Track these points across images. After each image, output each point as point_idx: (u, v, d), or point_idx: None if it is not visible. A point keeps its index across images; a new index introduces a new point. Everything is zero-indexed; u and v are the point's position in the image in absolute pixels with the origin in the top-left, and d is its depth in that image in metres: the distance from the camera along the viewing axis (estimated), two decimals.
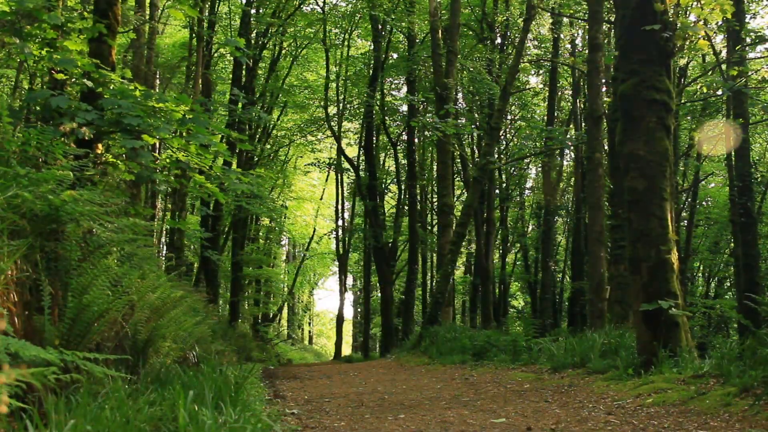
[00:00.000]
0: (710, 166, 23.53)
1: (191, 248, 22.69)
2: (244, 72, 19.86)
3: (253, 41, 20.23)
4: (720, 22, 13.93)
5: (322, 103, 23.93)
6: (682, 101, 17.53)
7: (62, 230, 4.03)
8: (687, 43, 6.93)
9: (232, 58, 21.35)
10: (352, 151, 28.18)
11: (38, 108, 6.00)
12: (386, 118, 23.65)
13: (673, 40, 6.53)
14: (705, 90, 17.83)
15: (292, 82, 24.98)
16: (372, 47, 22.87)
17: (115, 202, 4.78)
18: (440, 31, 16.66)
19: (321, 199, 35.27)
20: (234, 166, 15.79)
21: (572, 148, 18.81)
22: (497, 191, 23.54)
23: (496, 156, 19.70)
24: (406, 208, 23.75)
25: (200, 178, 7.24)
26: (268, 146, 25.46)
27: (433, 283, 23.37)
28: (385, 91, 23.20)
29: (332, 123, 23.27)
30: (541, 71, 23.47)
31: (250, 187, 7.54)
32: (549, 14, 18.64)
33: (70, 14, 8.08)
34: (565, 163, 23.79)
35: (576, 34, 20.36)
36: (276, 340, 27.66)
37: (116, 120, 5.83)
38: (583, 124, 19.36)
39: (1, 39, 6.17)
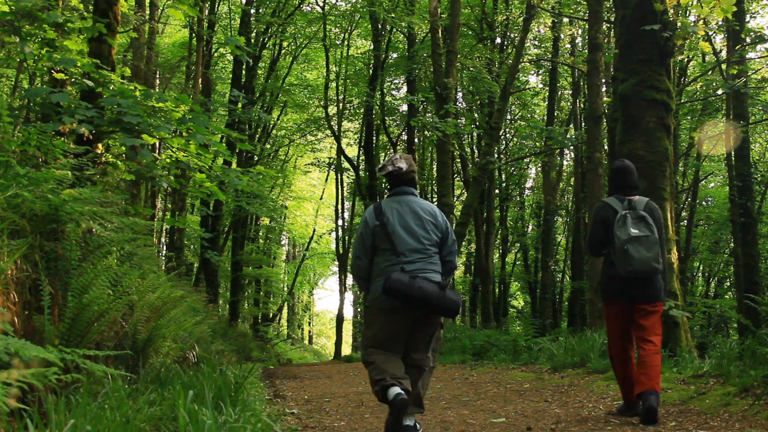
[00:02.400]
0: (710, 166, 23.52)
1: (191, 248, 22.69)
2: (243, 72, 19.86)
3: (252, 40, 20.24)
4: (720, 22, 13.93)
5: (322, 103, 23.93)
6: (682, 101, 17.53)
7: (62, 230, 4.03)
8: (687, 42, 6.94)
9: (232, 58, 21.37)
10: (352, 151, 28.17)
11: (38, 107, 6.00)
12: (386, 117, 23.65)
13: (673, 39, 6.53)
14: (705, 90, 17.84)
15: (292, 82, 24.99)
16: (372, 47, 22.88)
17: (114, 201, 4.78)
18: (440, 31, 16.65)
19: (321, 198, 35.27)
20: (234, 166, 15.80)
21: (572, 148, 18.81)
22: (497, 191, 23.53)
23: (496, 156, 19.69)
24: None
25: (201, 176, 7.24)
26: (268, 146, 25.47)
27: None
28: (384, 90, 23.21)
29: (332, 123, 23.27)
30: (541, 71, 23.46)
31: (252, 183, 7.55)
32: (549, 14, 18.63)
33: (71, 14, 8.07)
34: (565, 163, 23.80)
35: (576, 34, 20.35)
36: (276, 340, 27.66)
37: (116, 119, 5.84)
38: (583, 124, 19.36)
39: (0, 38, 6.16)
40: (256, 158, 21.78)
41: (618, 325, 4.41)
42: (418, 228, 3.92)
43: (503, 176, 25.30)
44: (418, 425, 3.88)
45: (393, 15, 18.70)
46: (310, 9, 22.60)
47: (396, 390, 3.65)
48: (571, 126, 20.88)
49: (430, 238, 3.93)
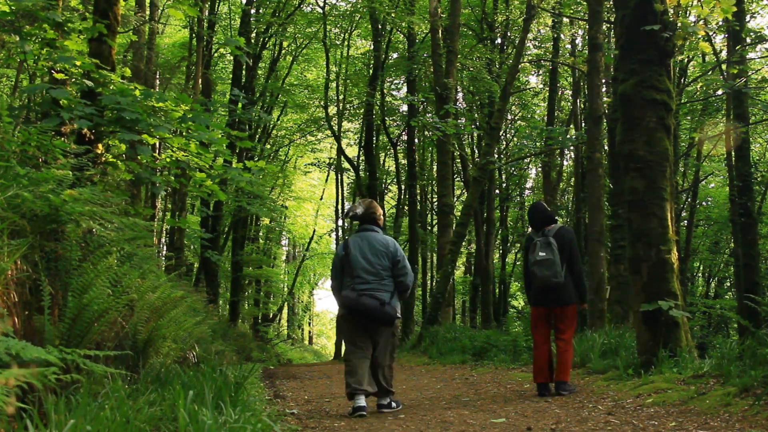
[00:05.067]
0: (710, 166, 23.51)
1: (191, 248, 22.69)
2: (244, 72, 19.86)
3: (253, 40, 20.23)
4: (720, 22, 13.92)
5: (322, 103, 23.93)
6: (682, 101, 17.52)
7: (62, 230, 4.03)
8: (687, 42, 6.92)
9: (232, 58, 21.35)
10: (352, 151, 28.18)
11: (37, 107, 6.00)
12: (386, 118, 23.64)
13: (673, 40, 6.52)
14: (705, 90, 17.83)
15: (292, 82, 24.98)
16: (372, 47, 22.87)
17: (115, 201, 4.78)
18: (440, 31, 16.65)
19: (321, 199, 35.26)
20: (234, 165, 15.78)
21: (572, 148, 18.81)
22: (497, 191, 23.51)
23: (496, 156, 19.68)
24: (406, 208, 23.75)
25: (201, 176, 7.23)
26: (268, 146, 25.46)
27: (433, 283, 23.37)
28: (385, 91, 23.20)
29: (332, 123, 23.26)
30: (541, 71, 23.46)
31: (254, 181, 7.55)
32: (549, 14, 18.63)
33: (71, 14, 8.07)
34: (565, 163, 23.79)
35: (576, 34, 20.34)
36: (276, 340, 27.65)
37: (116, 118, 5.84)
38: (583, 124, 19.34)
39: (1, 38, 6.16)
40: (256, 158, 21.76)
41: (539, 323, 5.79)
42: (373, 257, 5.18)
43: (503, 176, 25.29)
44: (393, 404, 5.16)
45: (393, 15, 18.70)
46: (310, 9, 22.60)
47: (359, 403, 4.96)
48: (571, 126, 20.86)
49: (382, 264, 5.17)
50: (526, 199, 27.57)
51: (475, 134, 20.38)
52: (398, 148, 25.15)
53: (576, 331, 6.41)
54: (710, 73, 17.11)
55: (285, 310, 36.87)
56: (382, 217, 5.53)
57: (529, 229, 6.27)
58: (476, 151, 22.49)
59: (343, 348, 6.33)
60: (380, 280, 5.15)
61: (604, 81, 13.16)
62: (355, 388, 5.01)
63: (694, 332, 18.73)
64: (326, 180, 33.92)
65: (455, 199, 22.28)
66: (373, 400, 5.35)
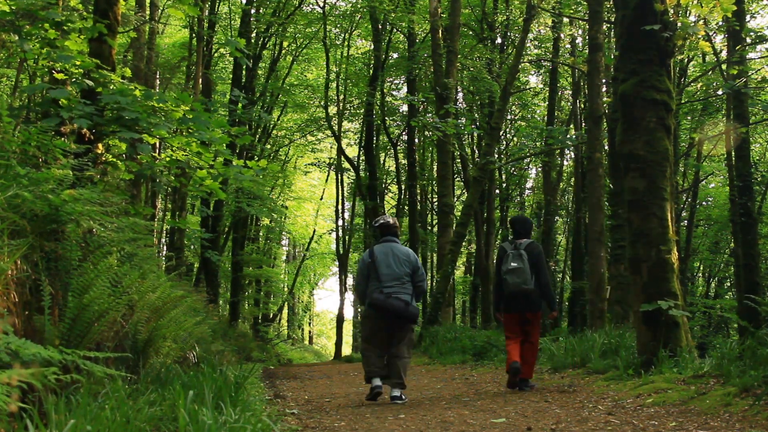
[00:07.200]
0: (710, 166, 23.51)
1: (191, 248, 22.68)
2: (244, 72, 19.85)
3: (253, 40, 20.23)
4: (720, 22, 13.91)
5: (322, 103, 23.92)
6: (682, 101, 17.52)
7: (62, 230, 4.02)
8: (687, 42, 6.92)
9: (232, 58, 21.31)
10: (352, 151, 28.17)
11: (37, 107, 5.99)
12: (386, 118, 23.63)
13: (673, 40, 6.52)
14: (705, 90, 17.83)
15: (292, 82, 24.97)
16: (372, 47, 22.86)
17: (115, 201, 4.77)
18: (440, 31, 16.64)
19: (321, 199, 35.25)
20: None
21: (572, 148, 18.80)
22: (497, 191, 23.51)
23: (496, 156, 19.67)
24: (406, 208, 23.75)
25: (201, 173, 7.22)
26: (269, 146, 25.45)
27: (433, 283, 23.37)
28: (385, 90, 23.19)
29: (332, 123, 23.26)
30: (541, 71, 23.45)
31: (255, 179, 7.55)
32: (549, 14, 18.62)
33: (71, 14, 8.07)
34: (565, 163, 23.79)
35: (576, 34, 20.34)
36: (276, 340, 27.64)
37: (116, 117, 5.84)
38: (583, 124, 19.34)
39: (0, 38, 6.16)
40: (256, 158, 21.75)
41: (514, 327, 6.38)
42: (396, 264, 5.96)
43: (503, 176, 25.29)
44: (403, 396, 5.81)
45: (393, 15, 18.68)
46: (310, 9, 22.59)
47: (376, 382, 5.81)
48: (571, 126, 20.85)
49: (403, 271, 5.97)
50: (526, 199, 27.56)
51: (475, 134, 20.37)
52: (398, 148, 25.14)
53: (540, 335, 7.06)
54: (710, 73, 17.10)
55: (285, 310, 36.86)
56: (399, 231, 6.44)
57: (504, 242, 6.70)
58: (476, 151, 22.48)
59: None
60: (402, 284, 5.94)
61: (604, 81, 13.16)
62: (372, 371, 5.88)
63: (694, 332, 18.74)
64: (326, 180, 33.91)
65: (455, 199, 22.28)
66: (386, 392, 5.99)
